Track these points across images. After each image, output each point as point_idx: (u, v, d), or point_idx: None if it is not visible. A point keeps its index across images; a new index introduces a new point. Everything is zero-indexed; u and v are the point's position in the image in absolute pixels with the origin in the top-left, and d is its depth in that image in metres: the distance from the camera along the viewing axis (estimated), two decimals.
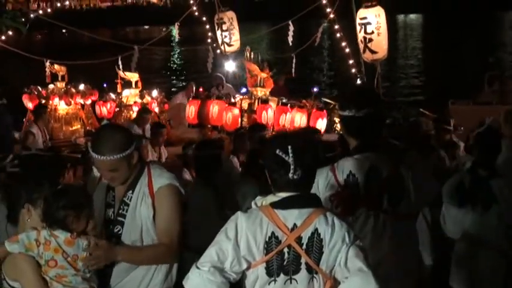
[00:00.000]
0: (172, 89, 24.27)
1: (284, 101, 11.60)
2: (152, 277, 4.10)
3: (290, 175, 3.15)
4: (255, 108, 11.94)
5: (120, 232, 4.07)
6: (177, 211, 4.07)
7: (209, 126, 12.29)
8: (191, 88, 14.06)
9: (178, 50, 37.93)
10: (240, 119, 11.89)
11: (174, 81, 30.89)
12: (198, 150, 6.50)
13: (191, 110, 12.38)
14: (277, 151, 3.17)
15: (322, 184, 3.98)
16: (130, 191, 4.10)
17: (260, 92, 12.13)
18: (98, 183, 4.29)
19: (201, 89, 13.69)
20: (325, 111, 11.28)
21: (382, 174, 3.90)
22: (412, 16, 60.31)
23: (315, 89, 11.70)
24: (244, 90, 12.74)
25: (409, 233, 4.07)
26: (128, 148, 3.99)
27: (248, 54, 12.57)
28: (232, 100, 12.09)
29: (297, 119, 11.06)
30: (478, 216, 5.17)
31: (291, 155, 3.14)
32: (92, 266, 3.77)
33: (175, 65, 37.63)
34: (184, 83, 30.44)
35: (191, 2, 14.85)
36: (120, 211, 4.11)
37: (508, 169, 5.46)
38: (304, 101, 11.47)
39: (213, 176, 6.06)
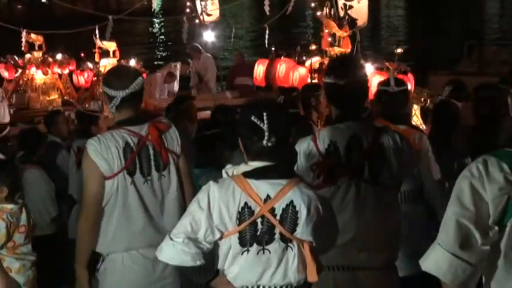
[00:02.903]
0: (156, 60, 24.05)
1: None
2: None
3: (264, 142, 3.13)
4: None
5: None
6: (85, 174, 4.07)
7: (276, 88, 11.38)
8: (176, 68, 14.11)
9: (159, 21, 37.69)
10: (309, 80, 10.65)
11: (155, 51, 30.79)
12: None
13: (259, 71, 11.58)
14: (252, 117, 3.15)
15: (303, 154, 3.96)
16: None
17: (338, 53, 10.50)
18: None
19: (273, 48, 12.53)
20: (410, 75, 9.92)
21: (364, 144, 3.88)
22: None
23: (399, 50, 10.41)
24: (314, 47, 11.29)
25: (391, 204, 4.04)
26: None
27: (327, 11, 11.13)
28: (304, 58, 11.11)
29: (375, 82, 9.49)
30: None
31: (265, 121, 3.12)
32: None
33: (156, 35, 37.41)
34: (164, 53, 30.48)
35: None
36: None
37: None
38: (387, 63, 10.15)
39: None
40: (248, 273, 3.20)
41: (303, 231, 3.16)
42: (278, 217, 3.14)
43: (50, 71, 13.29)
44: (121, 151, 4.07)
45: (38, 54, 13.48)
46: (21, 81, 13.48)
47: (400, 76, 9.37)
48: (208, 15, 14.20)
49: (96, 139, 4.10)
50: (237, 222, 3.13)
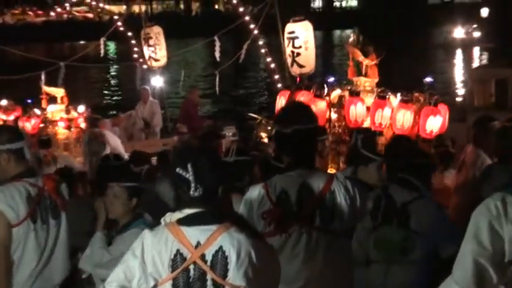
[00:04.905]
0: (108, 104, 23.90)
1: (382, 94, 9.33)
2: None
3: (191, 192, 3.12)
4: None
5: None
6: None
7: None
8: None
9: (113, 66, 37.74)
10: (329, 114, 9.70)
11: (107, 96, 30.79)
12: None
13: (280, 103, 10.84)
14: (177, 169, 3.14)
15: (254, 201, 3.94)
16: None
17: (365, 83, 9.90)
18: None
19: (298, 79, 11.65)
20: (442, 105, 9.07)
21: (315, 191, 3.86)
22: (348, 31, 61.30)
23: (428, 79, 9.54)
24: (331, 79, 10.33)
25: (342, 251, 4.01)
26: None
27: (355, 38, 10.32)
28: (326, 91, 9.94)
29: (400, 116, 8.92)
30: None
31: (190, 172, 3.12)
32: None
33: (108, 81, 37.42)
34: (115, 98, 30.47)
35: (116, 17, 14.89)
36: None
37: None
38: (416, 94, 9.30)
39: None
40: None
41: (234, 276, 3.09)
42: (209, 263, 3.10)
43: None
44: (25, 200, 4.31)
45: None
46: None
47: (430, 108, 8.88)
48: (156, 60, 14.23)
49: None
50: (170, 269, 3.10)
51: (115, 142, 11.50)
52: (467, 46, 46.08)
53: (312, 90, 9.84)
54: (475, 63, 39.21)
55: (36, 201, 4.38)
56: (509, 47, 29.98)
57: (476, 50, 46.13)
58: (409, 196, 4.66)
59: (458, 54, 45.29)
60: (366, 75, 9.89)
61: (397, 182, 4.75)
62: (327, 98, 9.70)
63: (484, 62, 38.67)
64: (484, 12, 57.66)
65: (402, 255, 4.61)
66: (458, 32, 47.94)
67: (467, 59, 42.58)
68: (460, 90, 22.00)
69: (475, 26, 48.45)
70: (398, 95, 9.18)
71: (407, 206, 4.64)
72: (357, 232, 4.71)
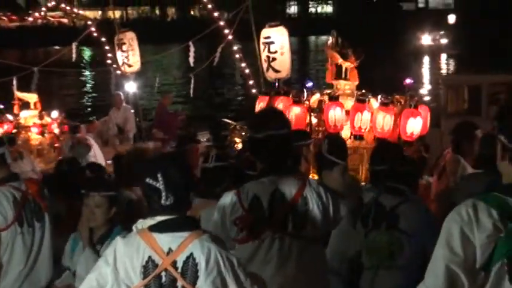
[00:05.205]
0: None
1: (361, 97, 9.08)
2: None
3: (162, 201, 3.14)
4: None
5: None
6: None
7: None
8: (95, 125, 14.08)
9: (88, 71, 37.58)
10: (309, 119, 9.35)
11: (80, 102, 30.65)
12: None
13: (260, 108, 10.29)
14: (147, 179, 3.16)
15: (227, 208, 3.93)
16: None
17: (345, 86, 9.61)
18: None
19: (276, 84, 11.29)
20: (422, 107, 9.01)
21: (287, 198, 3.86)
22: (324, 38, 61.49)
23: (408, 80, 9.32)
24: (310, 84, 9.94)
25: (316, 257, 4.01)
26: None
27: (333, 41, 9.89)
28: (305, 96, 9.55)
29: (379, 119, 8.72)
30: None
31: (161, 181, 3.13)
32: None
33: (83, 86, 37.25)
34: (89, 104, 30.33)
35: (89, 23, 14.85)
36: None
37: None
38: (397, 96, 9.20)
39: None
40: None
41: (202, 284, 3.11)
42: (180, 270, 3.11)
43: None
44: (12, 204, 4.43)
45: None
46: None
47: (411, 110, 8.76)
48: (130, 65, 14.19)
49: None
50: (142, 276, 3.12)
51: (96, 147, 11.52)
52: (434, 53, 46.47)
53: (290, 96, 9.69)
54: (443, 70, 39.53)
55: (21, 205, 4.52)
56: (475, 53, 30.33)
57: (443, 57, 46.48)
58: (396, 200, 4.65)
59: (426, 60, 45.59)
60: (346, 79, 9.69)
61: (387, 191, 4.74)
62: (307, 102, 9.54)
63: (452, 69, 38.96)
64: (451, 18, 58.06)
65: (391, 259, 4.58)
66: (426, 39, 48.28)
67: (435, 65, 42.90)
68: (428, 97, 22.19)
69: (442, 32, 48.82)
70: (379, 97, 9.07)
71: (395, 209, 4.63)
72: (356, 239, 4.71)
